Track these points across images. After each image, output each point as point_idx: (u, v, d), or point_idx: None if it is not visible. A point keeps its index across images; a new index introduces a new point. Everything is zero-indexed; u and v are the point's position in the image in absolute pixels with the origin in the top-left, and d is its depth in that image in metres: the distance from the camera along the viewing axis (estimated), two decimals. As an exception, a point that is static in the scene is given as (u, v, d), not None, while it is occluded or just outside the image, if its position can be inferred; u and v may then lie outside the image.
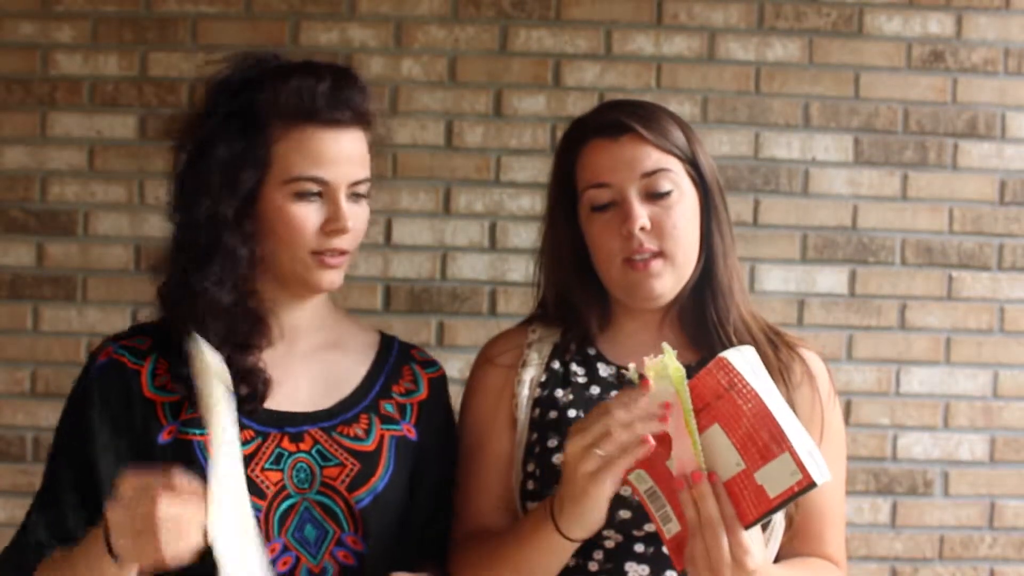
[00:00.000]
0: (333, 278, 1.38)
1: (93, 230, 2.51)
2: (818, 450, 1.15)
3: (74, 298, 2.51)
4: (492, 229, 2.53)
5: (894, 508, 2.54)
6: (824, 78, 2.54)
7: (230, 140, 1.32)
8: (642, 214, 1.37)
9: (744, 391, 1.15)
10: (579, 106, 2.51)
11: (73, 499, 1.33)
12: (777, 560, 1.41)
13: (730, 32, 2.54)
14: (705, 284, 1.44)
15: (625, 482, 1.22)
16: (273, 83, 1.33)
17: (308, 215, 1.32)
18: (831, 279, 2.55)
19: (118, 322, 2.50)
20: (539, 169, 2.52)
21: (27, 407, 2.50)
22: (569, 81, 2.53)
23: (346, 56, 2.50)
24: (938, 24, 2.55)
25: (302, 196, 1.32)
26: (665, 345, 1.18)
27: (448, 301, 2.51)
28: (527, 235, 2.52)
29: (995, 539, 2.55)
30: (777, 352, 1.43)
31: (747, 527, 1.16)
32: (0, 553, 1.38)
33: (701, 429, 1.17)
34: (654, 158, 1.39)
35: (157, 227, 2.48)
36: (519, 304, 2.50)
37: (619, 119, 1.41)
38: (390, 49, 2.52)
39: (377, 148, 1.42)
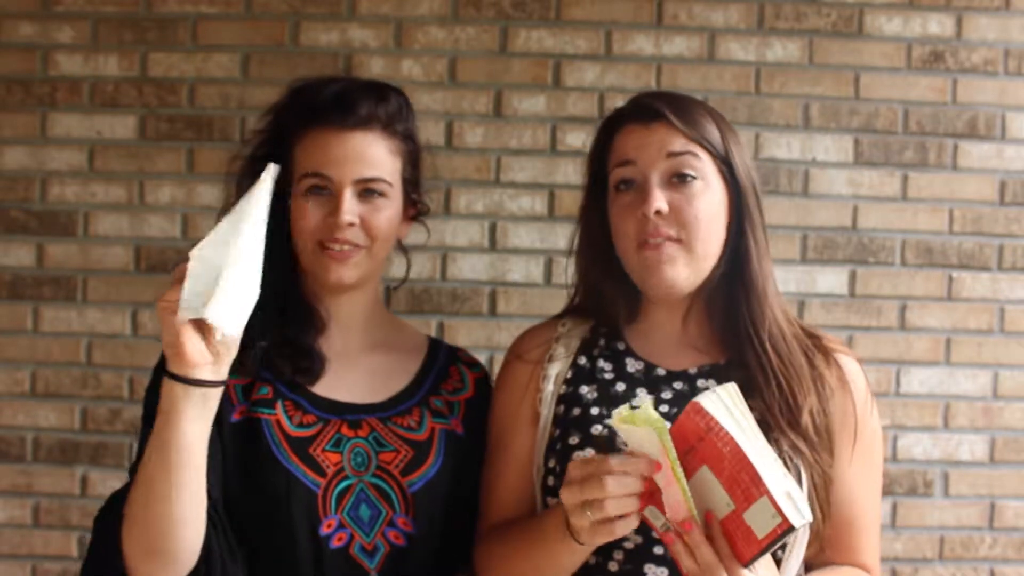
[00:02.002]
0: (340, 272, 1.44)
1: (93, 230, 2.51)
2: (799, 490, 1.14)
3: (74, 298, 2.51)
4: (492, 229, 2.53)
5: (894, 508, 2.54)
6: (824, 78, 2.54)
7: (266, 149, 1.48)
8: (659, 197, 1.37)
9: (720, 434, 1.16)
10: (579, 106, 2.51)
11: None
12: (808, 570, 1.41)
13: (730, 32, 2.54)
14: (737, 284, 1.43)
15: (641, 518, 1.23)
16: (294, 96, 1.49)
17: (312, 208, 1.43)
18: (831, 279, 2.54)
19: (118, 322, 2.50)
20: (539, 169, 2.52)
21: (27, 407, 2.50)
22: (569, 81, 2.53)
23: (346, 56, 2.50)
24: (938, 24, 2.55)
25: (310, 192, 1.44)
26: (640, 399, 1.19)
27: (448, 301, 2.51)
28: (527, 235, 2.51)
29: (995, 539, 2.55)
30: (811, 360, 1.42)
31: (745, 565, 1.16)
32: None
33: (692, 470, 1.18)
34: (681, 143, 1.39)
35: (157, 227, 2.50)
36: (519, 304, 2.50)
37: (652, 105, 1.42)
38: (390, 49, 2.52)
39: (407, 154, 1.50)
